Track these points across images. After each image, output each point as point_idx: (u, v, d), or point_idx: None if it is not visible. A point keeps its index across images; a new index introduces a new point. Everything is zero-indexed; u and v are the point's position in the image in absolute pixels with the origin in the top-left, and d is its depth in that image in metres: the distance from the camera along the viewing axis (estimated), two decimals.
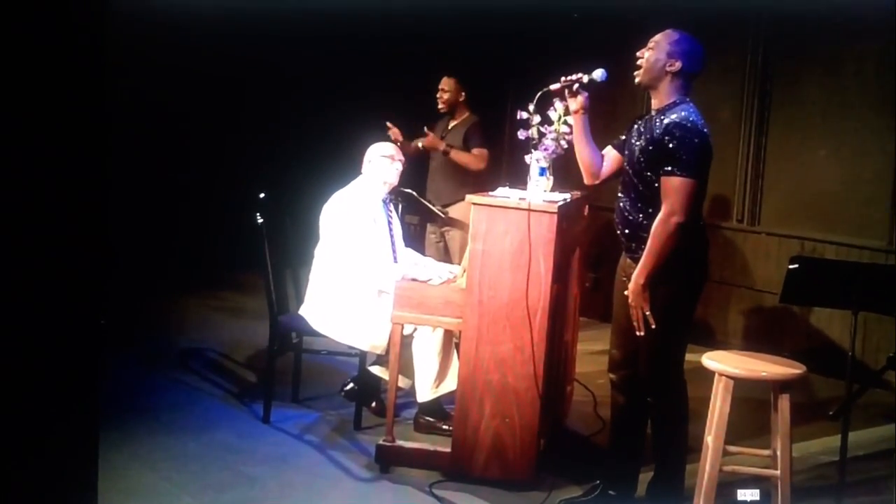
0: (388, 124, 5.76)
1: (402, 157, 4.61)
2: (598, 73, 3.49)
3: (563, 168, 4.14)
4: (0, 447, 2.63)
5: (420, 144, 5.68)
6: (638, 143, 3.48)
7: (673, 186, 3.32)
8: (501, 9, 6.21)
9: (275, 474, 3.90)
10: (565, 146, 4.03)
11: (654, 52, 3.43)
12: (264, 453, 4.09)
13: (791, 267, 3.74)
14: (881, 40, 5.36)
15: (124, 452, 3.91)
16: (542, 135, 4.05)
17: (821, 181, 5.86)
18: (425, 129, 5.67)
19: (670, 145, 3.31)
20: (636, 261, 3.44)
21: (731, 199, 6.26)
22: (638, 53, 3.47)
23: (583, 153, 3.64)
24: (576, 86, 3.51)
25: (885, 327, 5.16)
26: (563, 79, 3.55)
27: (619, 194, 3.56)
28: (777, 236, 6.06)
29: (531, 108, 4.04)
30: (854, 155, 5.71)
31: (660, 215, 3.34)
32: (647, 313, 3.38)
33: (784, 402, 3.49)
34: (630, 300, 3.41)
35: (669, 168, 3.32)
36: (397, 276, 4.17)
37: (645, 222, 3.42)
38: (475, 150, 5.61)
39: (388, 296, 4.08)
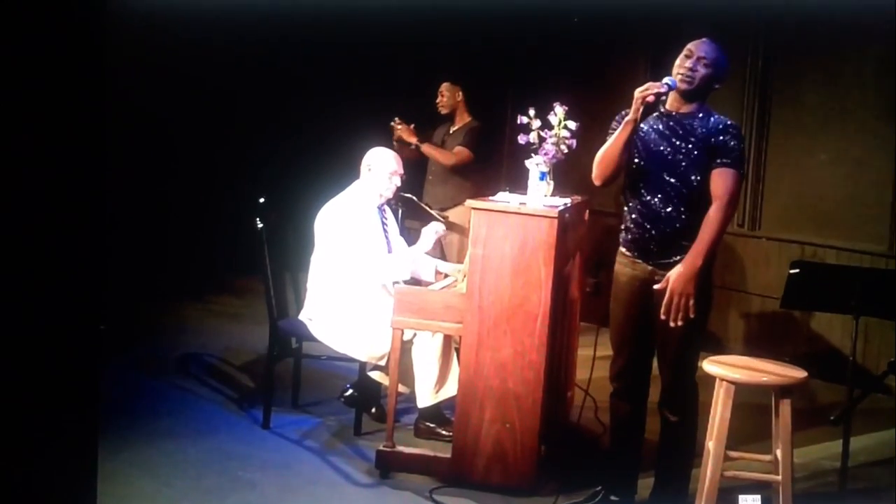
0: (396, 121, 5.65)
1: (403, 172, 4.59)
2: (672, 80, 3.46)
3: (564, 173, 4.13)
4: (0, 452, 2.62)
5: (398, 136, 5.60)
6: (667, 145, 3.45)
7: (730, 179, 3.41)
8: (501, 13, 6.21)
9: (274, 480, 3.89)
10: (565, 151, 4.03)
11: (711, 71, 3.44)
12: (264, 459, 4.08)
13: (792, 272, 3.74)
14: (881, 45, 5.36)
15: (123, 458, 3.90)
16: (542, 139, 4.05)
17: (821, 186, 5.85)
18: (395, 119, 5.59)
19: (731, 143, 3.43)
20: (665, 267, 3.40)
21: None
22: (689, 65, 3.42)
23: (618, 159, 3.45)
24: (663, 96, 3.45)
25: (886, 332, 5.15)
26: (650, 91, 3.38)
27: (646, 197, 3.48)
28: (778, 241, 6.05)
29: (531, 112, 4.06)
30: (854, 159, 5.71)
31: (719, 203, 3.38)
32: (692, 302, 3.33)
33: (785, 408, 3.48)
34: (676, 286, 3.33)
35: (727, 160, 3.41)
36: (404, 265, 4.22)
37: (688, 225, 3.41)
38: (456, 148, 5.60)
39: (386, 305, 4.08)
